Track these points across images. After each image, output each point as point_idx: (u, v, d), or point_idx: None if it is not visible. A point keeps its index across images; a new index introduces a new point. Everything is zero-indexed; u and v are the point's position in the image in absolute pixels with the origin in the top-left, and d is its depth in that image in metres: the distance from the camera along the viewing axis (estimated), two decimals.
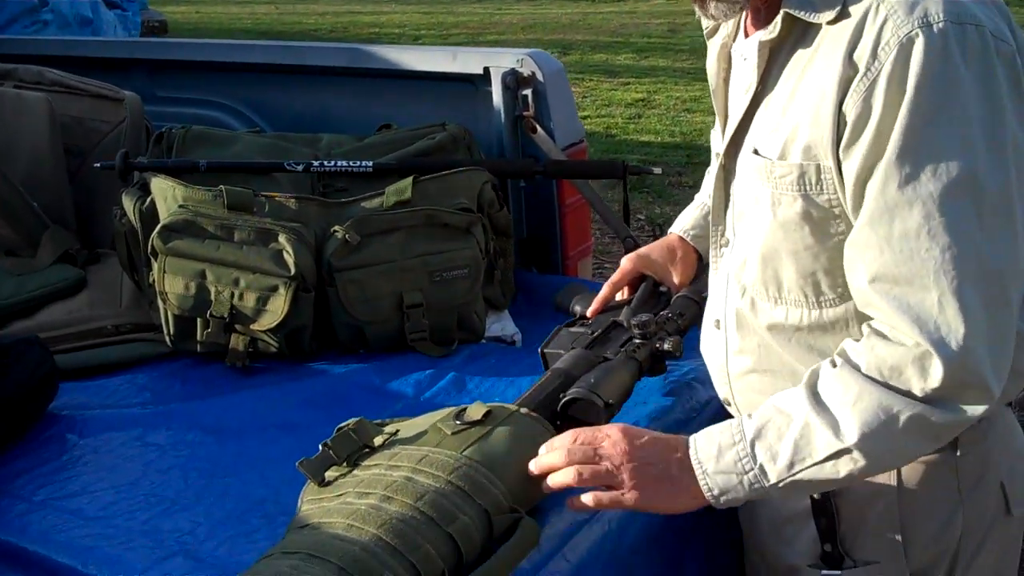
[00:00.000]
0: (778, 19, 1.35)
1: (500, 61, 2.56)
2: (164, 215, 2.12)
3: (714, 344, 1.60)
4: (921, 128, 1.22)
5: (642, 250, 1.93)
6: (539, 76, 2.53)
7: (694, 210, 1.92)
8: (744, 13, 1.48)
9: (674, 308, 1.83)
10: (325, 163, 2.33)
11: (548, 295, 2.48)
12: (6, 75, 2.86)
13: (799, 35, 1.35)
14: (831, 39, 1.30)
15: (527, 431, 1.48)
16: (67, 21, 6.73)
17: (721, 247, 1.56)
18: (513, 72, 2.53)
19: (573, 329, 1.84)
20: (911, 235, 1.23)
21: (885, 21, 1.24)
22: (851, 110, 1.26)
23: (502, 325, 2.35)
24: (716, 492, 1.33)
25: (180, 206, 2.11)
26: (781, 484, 1.30)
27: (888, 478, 1.44)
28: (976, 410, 1.25)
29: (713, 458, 1.33)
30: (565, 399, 1.56)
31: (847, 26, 1.28)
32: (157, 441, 1.83)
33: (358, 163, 2.32)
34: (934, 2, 1.23)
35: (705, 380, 1.83)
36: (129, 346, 2.20)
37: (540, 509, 1.48)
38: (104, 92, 2.78)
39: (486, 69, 2.56)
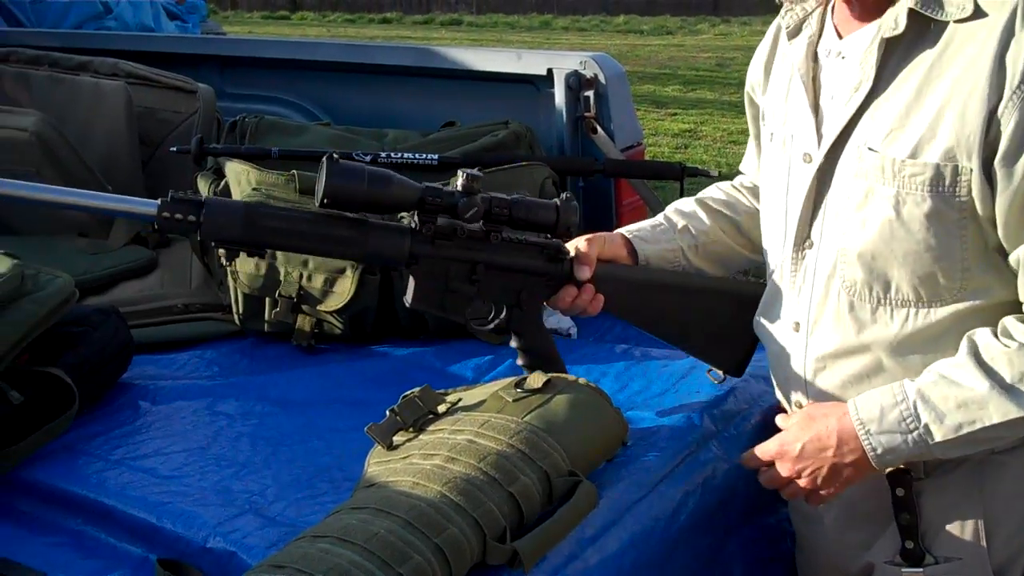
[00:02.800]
0: (901, 16, 1.35)
1: (563, 63, 2.61)
2: (237, 197, 2.19)
3: (790, 347, 1.59)
4: None
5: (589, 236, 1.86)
6: (601, 79, 2.58)
7: (646, 221, 1.90)
8: (830, 12, 1.49)
9: None
10: (392, 155, 2.39)
11: None
12: (83, 67, 2.96)
13: (918, 32, 1.35)
14: (965, 38, 1.30)
15: (586, 399, 1.53)
16: (129, 29, 6.89)
17: (804, 248, 1.54)
18: (576, 74, 2.58)
19: None
20: None
21: None
22: (1009, 116, 1.27)
23: (559, 319, 2.39)
24: (880, 451, 1.40)
25: (253, 189, 2.18)
26: (947, 443, 1.36)
27: (972, 474, 1.44)
28: None
29: (876, 419, 1.40)
30: None
31: (988, 26, 1.29)
32: (226, 411, 1.89)
33: (424, 156, 2.39)
34: None
35: (758, 375, 1.87)
36: (198, 324, 2.27)
37: (601, 482, 1.52)
38: (178, 83, 2.87)
39: (549, 71, 2.61)
